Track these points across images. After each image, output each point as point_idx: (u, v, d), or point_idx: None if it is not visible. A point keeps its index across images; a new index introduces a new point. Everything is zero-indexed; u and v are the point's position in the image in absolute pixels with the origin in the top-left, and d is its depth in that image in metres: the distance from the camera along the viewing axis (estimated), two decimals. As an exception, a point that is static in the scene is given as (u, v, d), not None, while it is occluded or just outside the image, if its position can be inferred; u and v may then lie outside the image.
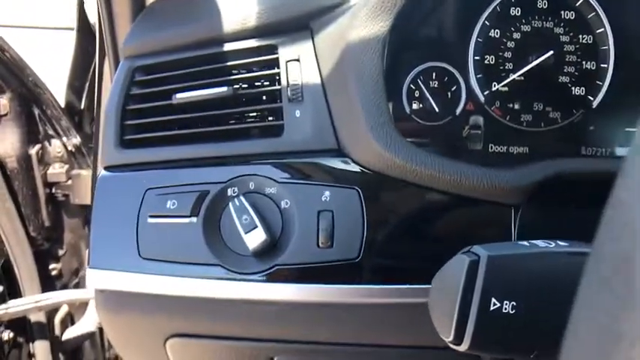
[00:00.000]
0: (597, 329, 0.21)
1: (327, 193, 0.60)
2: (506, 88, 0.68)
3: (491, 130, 0.69)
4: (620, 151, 0.68)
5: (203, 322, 0.65)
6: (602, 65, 0.67)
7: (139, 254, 0.62)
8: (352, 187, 0.60)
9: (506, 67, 0.68)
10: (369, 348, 0.66)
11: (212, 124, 0.66)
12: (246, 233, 0.59)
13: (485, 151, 0.69)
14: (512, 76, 0.68)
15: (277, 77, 0.66)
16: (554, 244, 0.42)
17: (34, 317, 1.24)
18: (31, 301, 1.16)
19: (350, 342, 0.66)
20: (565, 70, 0.68)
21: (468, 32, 0.68)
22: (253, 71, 0.68)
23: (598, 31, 0.67)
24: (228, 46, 0.68)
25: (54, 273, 1.29)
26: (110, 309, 0.67)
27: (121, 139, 0.67)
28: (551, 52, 0.67)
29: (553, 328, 0.33)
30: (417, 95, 0.68)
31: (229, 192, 0.62)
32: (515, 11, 0.67)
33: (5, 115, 1.16)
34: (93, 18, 1.26)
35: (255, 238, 0.59)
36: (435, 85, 0.68)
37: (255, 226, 0.59)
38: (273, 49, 0.67)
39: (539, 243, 0.43)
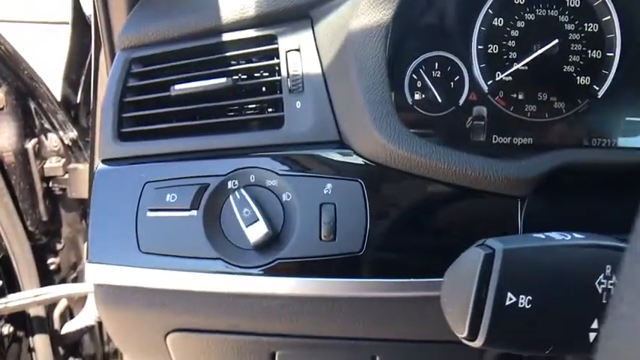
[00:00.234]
0: (634, 329, 0.20)
1: (329, 185, 0.59)
2: (510, 78, 0.67)
3: (495, 121, 0.68)
4: (625, 141, 0.67)
5: (204, 317, 0.64)
6: (608, 54, 0.66)
7: (139, 248, 0.61)
8: (355, 180, 0.59)
9: (510, 57, 0.67)
10: (371, 342, 0.66)
11: (211, 116, 0.65)
12: (247, 226, 0.58)
13: (489, 143, 0.68)
14: (516, 66, 0.67)
15: (277, 68, 0.65)
16: (570, 237, 0.41)
17: (33, 311, 1.23)
18: (30, 296, 1.16)
19: (352, 336, 0.65)
20: (570, 60, 0.67)
21: (471, 21, 0.67)
22: (252, 62, 0.67)
23: (604, 19, 0.66)
24: (226, 37, 0.67)
25: (52, 267, 1.28)
26: (110, 304, 0.66)
27: (119, 131, 0.65)
28: (556, 41, 0.66)
29: (570, 322, 0.32)
30: (419, 85, 0.67)
31: (229, 185, 0.61)
32: (519, -1, 0.66)
33: (1, 109, 1.14)
34: (88, 10, 1.24)
35: (256, 232, 0.58)
36: (438, 75, 0.67)
37: (257, 220, 0.58)
38: (272, 39, 0.66)
39: (555, 235, 0.41)
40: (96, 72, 1.06)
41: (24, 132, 1.18)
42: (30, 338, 1.24)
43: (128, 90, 0.67)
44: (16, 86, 1.15)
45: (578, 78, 0.67)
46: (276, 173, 0.60)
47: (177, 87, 0.65)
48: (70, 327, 1.29)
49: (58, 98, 1.25)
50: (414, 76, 0.67)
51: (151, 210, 0.61)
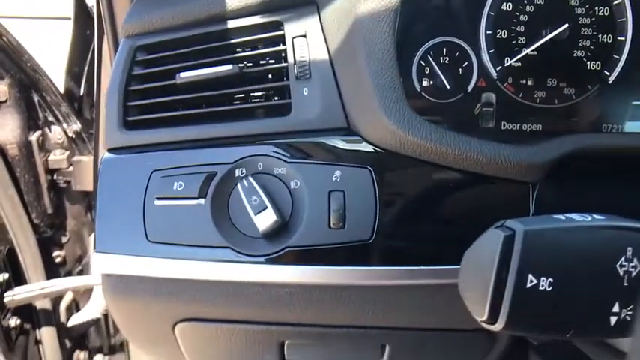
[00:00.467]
0: None
1: (337, 172, 0.58)
2: (519, 64, 0.66)
3: (504, 108, 0.67)
4: (636, 126, 0.66)
5: (213, 306, 0.64)
6: (619, 38, 0.65)
7: (146, 237, 0.61)
8: (364, 167, 0.59)
9: (519, 42, 0.66)
10: (381, 330, 0.65)
11: (217, 104, 0.65)
12: (255, 215, 0.57)
13: (498, 129, 0.67)
14: (526, 51, 0.66)
15: (283, 54, 0.64)
16: (590, 218, 0.40)
17: (39, 304, 1.24)
18: (37, 288, 1.16)
19: (362, 324, 0.65)
20: (580, 44, 0.66)
21: (480, 6, 0.65)
22: (258, 49, 0.66)
23: (615, 3, 0.65)
24: (232, 23, 0.66)
25: (58, 260, 1.28)
26: (117, 294, 0.65)
27: (124, 120, 0.65)
28: (566, 26, 0.65)
29: (591, 305, 0.31)
30: (427, 72, 0.66)
31: (237, 173, 0.60)
32: (528, -17, 0.65)
33: (5, 101, 1.14)
34: (90, 1, 1.24)
35: (265, 220, 0.57)
36: (446, 61, 0.66)
37: (265, 207, 0.57)
38: (278, 25, 0.65)
39: (575, 216, 0.41)
40: (99, 62, 1.05)
41: (28, 124, 1.18)
42: (37, 330, 1.25)
43: (133, 78, 0.66)
44: (19, 79, 1.15)
45: (588, 63, 0.66)
46: (284, 161, 0.60)
47: (183, 75, 0.64)
48: (76, 319, 1.30)
49: (62, 90, 1.24)
50: (421, 62, 0.66)
51: (159, 199, 0.61)
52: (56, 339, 1.26)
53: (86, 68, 1.30)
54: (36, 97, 1.20)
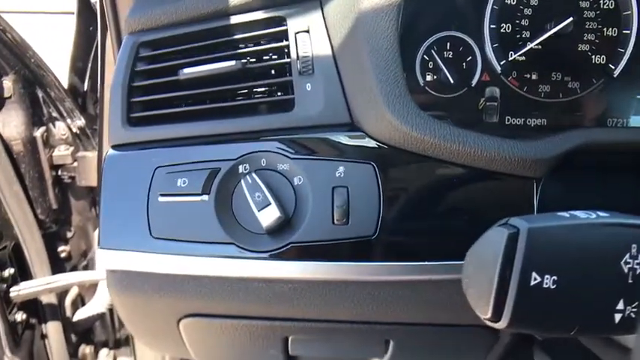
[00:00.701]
0: None
1: (341, 168, 0.58)
2: (523, 58, 0.66)
3: (508, 102, 0.66)
4: (641, 120, 0.66)
5: (217, 302, 0.64)
6: (624, 32, 0.64)
7: (151, 234, 0.61)
8: (367, 162, 0.59)
9: (524, 36, 0.65)
10: (385, 326, 0.66)
11: (220, 100, 0.65)
12: (259, 211, 0.58)
13: (502, 124, 0.67)
14: (530, 45, 0.65)
15: (286, 50, 0.64)
16: (594, 215, 0.40)
17: (45, 299, 1.24)
18: (42, 283, 1.17)
19: (365, 320, 0.65)
20: (585, 38, 0.65)
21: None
22: (261, 44, 0.66)
23: (620, -4, 0.64)
24: (235, 19, 0.66)
25: (63, 255, 1.29)
26: (122, 290, 0.66)
27: (128, 116, 0.65)
28: (571, 19, 0.64)
29: (595, 303, 0.31)
30: (430, 66, 0.66)
31: (240, 169, 0.60)
32: (532, -24, 0.65)
33: (9, 97, 1.14)
34: (93, -3, 1.23)
35: (268, 216, 0.57)
36: (450, 56, 0.66)
37: (269, 204, 0.57)
38: (281, 20, 0.65)
39: (579, 214, 0.40)
40: (102, 58, 1.05)
41: (32, 120, 1.18)
42: (43, 325, 1.26)
43: (136, 74, 0.66)
44: (23, 74, 1.15)
45: (593, 57, 0.65)
46: (288, 157, 0.60)
47: (186, 71, 0.64)
48: (81, 314, 1.30)
49: (66, 86, 1.24)
50: (425, 57, 0.66)
51: (162, 195, 0.61)
52: (62, 333, 1.26)
53: (90, 64, 1.30)
54: (40, 93, 1.20)
